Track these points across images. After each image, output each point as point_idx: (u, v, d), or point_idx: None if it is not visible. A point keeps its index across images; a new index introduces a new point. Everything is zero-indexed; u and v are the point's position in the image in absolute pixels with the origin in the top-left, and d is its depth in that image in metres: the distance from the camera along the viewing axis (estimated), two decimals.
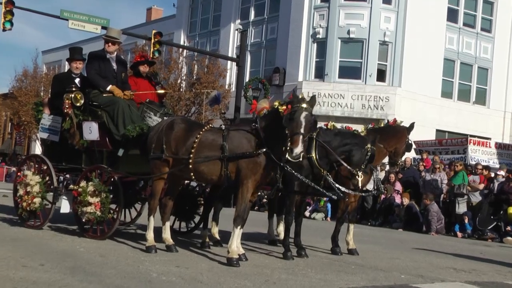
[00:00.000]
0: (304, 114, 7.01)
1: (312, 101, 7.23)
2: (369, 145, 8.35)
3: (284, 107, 7.16)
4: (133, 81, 9.95)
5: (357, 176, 8.24)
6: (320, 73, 31.06)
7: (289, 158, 7.00)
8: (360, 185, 8.40)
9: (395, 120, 9.80)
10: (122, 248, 8.04)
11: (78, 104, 9.14)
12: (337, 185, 8.30)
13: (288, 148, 6.91)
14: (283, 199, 9.56)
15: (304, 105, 7.07)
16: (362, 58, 30.47)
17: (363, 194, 9.48)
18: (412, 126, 9.60)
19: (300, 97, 7.22)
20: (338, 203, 9.72)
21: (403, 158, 9.66)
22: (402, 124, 9.65)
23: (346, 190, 8.47)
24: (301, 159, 7.00)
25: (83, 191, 8.59)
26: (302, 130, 6.93)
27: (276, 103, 7.56)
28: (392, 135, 9.45)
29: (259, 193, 18.69)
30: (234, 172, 7.45)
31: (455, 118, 31.86)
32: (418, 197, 18.12)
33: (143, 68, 10.28)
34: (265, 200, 20.97)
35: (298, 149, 6.83)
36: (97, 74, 9.18)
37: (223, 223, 9.77)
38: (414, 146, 9.91)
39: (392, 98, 29.92)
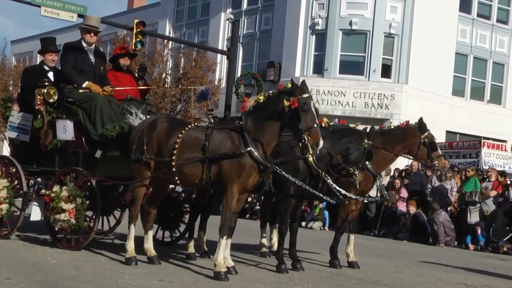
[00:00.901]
0: (313, 104, 7.18)
1: (307, 88, 7.33)
2: (365, 141, 8.40)
3: (287, 101, 7.17)
4: (112, 75, 9.94)
5: (354, 175, 8.26)
6: (319, 68, 31.08)
7: (309, 154, 7.33)
8: (358, 183, 8.41)
9: (407, 123, 9.77)
10: (99, 260, 8.03)
11: (51, 100, 9.12)
12: (337, 188, 8.32)
13: (307, 144, 7.03)
14: (277, 206, 9.58)
15: (308, 94, 7.19)
16: (366, 52, 30.51)
17: (366, 200, 9.51)
18: (421, 123, 9.51)
19: (300, 85, 7.31)
20: (338, 210, 9.71)
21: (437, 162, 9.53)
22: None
23: (348, 194, 8.50)
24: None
25: (56, 197, 8.58)
26: (317, 122, 7.13)
27: (261, 97, 7.56)
28: (398, 138, 9.43)
29: (250, 199, 18.67)
30: (217, 175, 7.46)
31: (467, 119, 31.92)
32: (426, 205, 18.15)
33: (124, 61, 10.28)
34: (257, 207, 20.96)
35: (322, 142, 7.05)
36: (73, 68, 9.16)
37: (211, 233, 9.78)
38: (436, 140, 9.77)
39: (398, 96, 29.99)
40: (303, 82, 7.43)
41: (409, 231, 17.79)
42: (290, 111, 7.17)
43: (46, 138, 9.29)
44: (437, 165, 9.56)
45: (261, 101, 7.60)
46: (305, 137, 7.06)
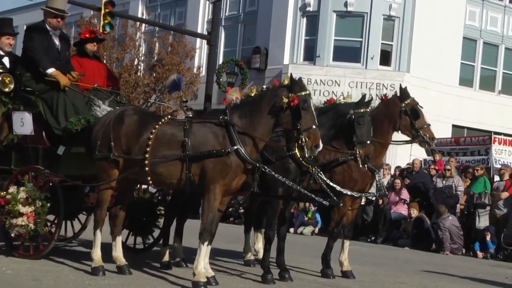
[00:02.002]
0: (312, 103, 7.37)
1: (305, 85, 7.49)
2: (351, 111, 8.44)
3: (287, 97, 7.29)
4: (77, 61, 9.89)
5: (358, 152, 8.28)
6: (311, 55, 31.13)
7: (305, 156, 7.45)
8: (363, 158, 8.37)
9: (385, 96, 9.77)
10: (62, 270, 8.00)
11: (6, 90, 9.08)
12: (331, 184, 8.37)
13: (304, 145, 7.18)
14: (263, 209, 9.59)
15: (308, 92, 7.36)
16: (363, 37, 30.59)
17: (364, 195, 9.54)
18: (401, 90, 9.49)
19: (298, 80, 7.42)
20: (331, 213, 9.73)
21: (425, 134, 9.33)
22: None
23: (343, 190, 8.54)
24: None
25: (12, 199, 8.53)
26: (317, 123, 7.28)
27: (254, 90, 7.60)
28: (381, 115, 9.33)
29: (233, 201, 18.68)
30: (199, 175, 7.47)
31: (476, 111, 32.05)
32: (429, 208, 18.22)
33: (91, 47, 10.24)
34: (241, 210, 20.97)
35: (321, 144, 7.25)
36: (39, 50, 9.08)
37: (189, 238, 9.77)
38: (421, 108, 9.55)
39: (398, 86, 29.98)
40: (300, 79, 7.55)
41: (411, 237, 17.86)
42: (289, 108, 7.28)
43: (1, 133, 9.24)
44: (422, 135, 9.35)
45: (252, 94, 7.64)
46: (303, 138, 7.19)
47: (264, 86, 7.82)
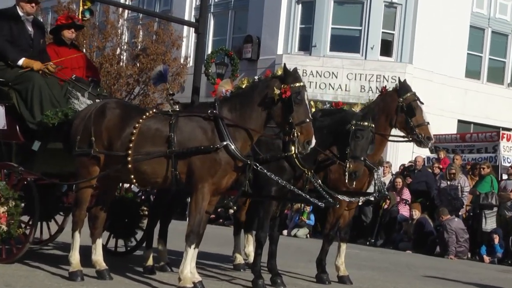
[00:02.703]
0: (307, 95, 7.35)
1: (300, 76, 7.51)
2: (353, 121, 8.43)
3: (279, 88, 7.28)
4: (53, 50, 9.86)
5: (348, 166, 8.29)
6: (307, 44, 31.13)
7: (298, 151, 7.48)
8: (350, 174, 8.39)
9: (384, 88, 9.76)
10: (37, 275, 7.98)
11: None
12: (326, 189, 8.38)
13: (296, 140, 7.20)
14: (254, 210, 9.60)
15: (303, 83, 7.35)
16: (362, 25, 30.60)
17: (360, 200, 9.56)
18: (401, 84, 9.49)
19: (292, 71, 7.43)
20: (327, 214, 9.75)
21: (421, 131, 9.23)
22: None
23: (339, 196, 8.54)
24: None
25: None
26: (310, 116, 7.30)
27: (245, 81, 7.61)
28: (378, 110, 9.32)
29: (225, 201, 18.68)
30: (186, 173, 7.48)
31: (484, 106, 32.11)
32: (432, 209, 18.26)
33: (69, 34, 10.19)
34: (231, 211, 20.99)
35: (314, 140, 7.23)
36: (7, 41, 9.08)
37: (174, 241, 9.77)
38: (420, 104, 9.42)
39: (400, 78, 30.01)
40: (295, 69, 7.55)
41: (412, 240, 17.92)
42: (281, 101, 7.28)
43: None
44: (418, 134, 9.26)
45: (243, 86, 7.64)
46: (295, 132, 7.19)
47: (256, 77, 7.82)
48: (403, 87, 9.46)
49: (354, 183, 8.66)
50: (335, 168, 9.12)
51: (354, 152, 8.34)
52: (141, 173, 7.73)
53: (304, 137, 7.22)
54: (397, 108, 9.32)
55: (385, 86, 10.03)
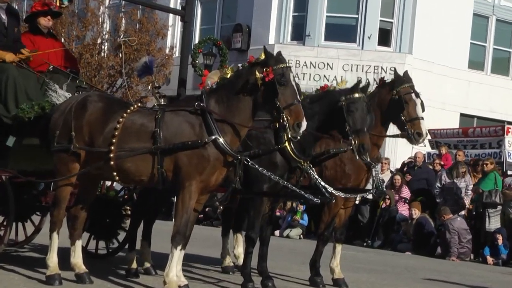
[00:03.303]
0: (292, 76, 7.35)
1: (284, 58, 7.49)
2: (343, 97, 8.43)
3: (261, 72, 7.28)
4: (29, 39, 9.83)
5: (353, 142, 8.26)
6: (300, 34, 31.12)
7: (290, 136, 7.46)
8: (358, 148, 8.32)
9: (382, 79, 9.76)
10: (11, 279, 7.98)
11: None
12: (323, 183, 8.39)
13: (286, 125, 7.17)
14: (244, 208, 9.60)
15: (286, 64, 7.36)
16: (359, 13, 30.60)
17: (359, 195, 9.57)
18: (397, 75, 9.47)
19: (276, 55, 7.46)
20: (321, 214, 9.75)
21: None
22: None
23: (334, 191, 8.56)
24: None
25: None
26: (299, 98, 7.29)
27: (229, 71, 7.60)
28: (374, 102, 9.27)
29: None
30: (172, 171, 7.48)
31: (488, 98, 32.16)
32: (433, 208, 18.30)
33: (45, 22, 10.16)
34: (220, 210, 21.01)
35: (305, 122, 7.17)
36: None
37: (158, 242, 9.76)
38: (417, 100, 9.29)
39: (399, 69, 29.87)
40: (279, 52, 7.56)
41: (412, 241, 17.95)
42: (264, 85, 7.27)
43: None
44: (408, 130, 9.17)
45: (228, 76, 7.63)
46: (284, 116, 7.17)
47: (240, 65, 7.79)
48: (398, 79, 9.43)
49: (368, 158, 8.62)
50: (331, 164, 9.14)
51: (354, 126, 8.32)
52: (124, 171, 7.73)
53: (294, 119, 7.18)
54: (390, 101, 9.29)
55: (383, 77, 9.98)
